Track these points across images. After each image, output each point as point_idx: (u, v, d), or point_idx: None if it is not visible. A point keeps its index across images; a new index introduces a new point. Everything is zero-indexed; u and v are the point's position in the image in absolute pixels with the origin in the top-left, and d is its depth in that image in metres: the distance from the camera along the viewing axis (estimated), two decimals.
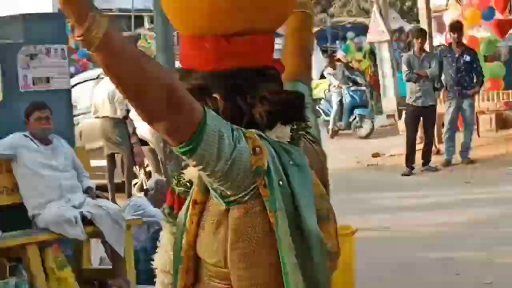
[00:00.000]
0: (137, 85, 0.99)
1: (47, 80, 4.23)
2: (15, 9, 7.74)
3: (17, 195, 3.90)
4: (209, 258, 1.14)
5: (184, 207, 1.19)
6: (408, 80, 7.81)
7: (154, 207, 4.31)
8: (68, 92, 4.49)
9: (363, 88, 11.40)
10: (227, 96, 1.12)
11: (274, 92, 1.13)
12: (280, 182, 1.09)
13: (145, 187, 5.75)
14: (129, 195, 6.34)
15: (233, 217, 1.09)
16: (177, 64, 4.19)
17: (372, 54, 13.27)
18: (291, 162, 1.11)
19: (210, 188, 1.12)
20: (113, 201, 5.49)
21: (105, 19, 0.95)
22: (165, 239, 1.27)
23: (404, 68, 7.84)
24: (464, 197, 6.48)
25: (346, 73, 11.62)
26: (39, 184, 3.81)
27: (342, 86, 11.23)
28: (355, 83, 11.47)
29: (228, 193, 1.09)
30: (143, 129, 6.25)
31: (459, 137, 7.84)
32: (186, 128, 1.02)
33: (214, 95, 1.12)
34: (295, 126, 1.16)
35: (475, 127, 8.37)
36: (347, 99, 11.02)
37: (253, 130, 1.10)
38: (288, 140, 1.15)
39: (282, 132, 1.14)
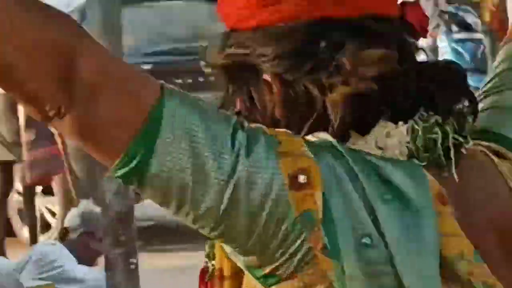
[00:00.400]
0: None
1: None
2: None
3: None
4: None
5: None
6: None
7: (78, 262, 2.72)
8: None
9: (479, 36, 6.15)
10: (287, 75, 0.69)
11: (382, 57, 0.67)
12: (364, 240, 0.63)
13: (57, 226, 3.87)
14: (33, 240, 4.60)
15: None
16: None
17: None
18: (385, 197, 0.64)
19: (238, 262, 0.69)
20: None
21: None
22: None
23: None
24: None
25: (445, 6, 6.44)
26: None
27: (435, 33, 6.22)
28: (464, 26, 6.43)
29: (255, 261, 0.66)
30: None
31: None
32: (119, 126, 0.61)
33: (265, 76, 0.70)
34: (420, 125, 0.68)
35: None
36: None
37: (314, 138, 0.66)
38: (401, 152, 0.68)
39: (386, 138, 0.69)
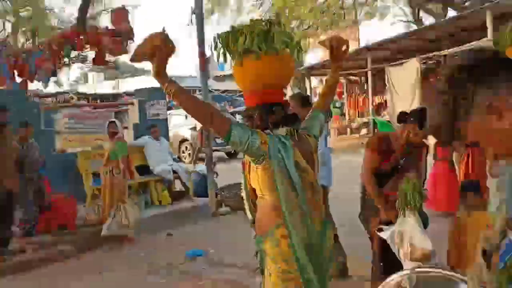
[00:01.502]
0: (194, 111, 2.31)
1: (158, 114, 9.51)
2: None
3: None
4: (255, 187, 2.56)
5: (245, 167, 2.64)
6: None
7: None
8: (166, 120, 9.70)
9: None
10: (259, 115, 2.51)
11: (281, 112, 2.51)
12: (276, 156, 2.42)
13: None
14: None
15: (259, 170, 2.48)
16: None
17: None
18: (282, 144, 2.45)
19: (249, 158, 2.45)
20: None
21: (173, 83, 2.26)
22: (242, 183, 2.71)
23: None
24: None
25: None
26: (155, 155, 8.80)
27: None
28: None
29: (254, 159, 2.45)
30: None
31: None
32: (222, 130, 2.35)
33: (255, 115, 2.53)
34: (290, 128, 2.54)
35: None
36: None
37: (265, 133, 2.45)
38: (284, 133, 2.51)
39: (282, 130, 2.50)
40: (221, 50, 2.54)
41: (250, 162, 2.55)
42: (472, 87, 1.20)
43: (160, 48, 2.15)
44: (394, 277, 2.16)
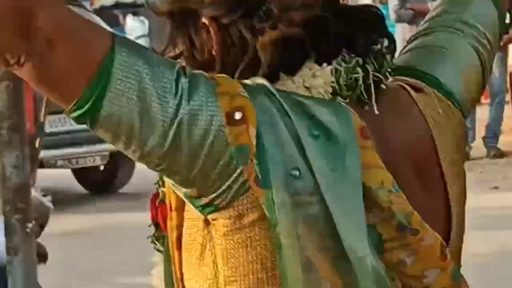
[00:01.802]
0: None
1: None
2: None
3: None
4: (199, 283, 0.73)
5: (168, 224, 0.80)
6: (398, 21, 5.58)
7: None
8: None
9: None
10: (223, 19, 0.73)
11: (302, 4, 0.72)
12: (292, 172, 0.66)
13: None
14: None
15: (218, 234, 0.70)
16: None
17: None
18: (312, 132, 0.68)
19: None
20: None
21: None
22: (156, 277, 0.85)
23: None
24: None
25: None
26: None
27: None
28: None
29: (195, 192, 0.69)
30: None
31: (482, 113, 6.29)
32: (73, 73, 0.65)
33: (203, 19, 0.74)
34: (343, 66, 0.72)
35: (509, 95, 6.52)
36: None
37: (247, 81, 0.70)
38: (326, 91, 0.72)
39: (312, 78, 0.72)
40: None
41: (175, 214, 0.86)
42: None
43: None
44: None
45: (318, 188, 0.66)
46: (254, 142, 0.66)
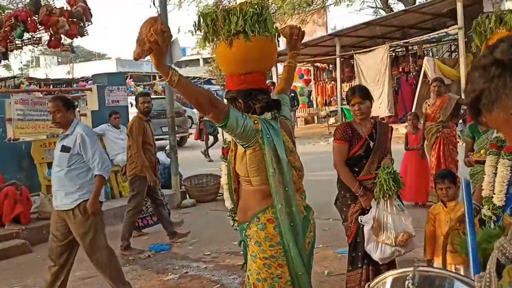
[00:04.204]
0: (195, 98, 2.33)
1: (117, 101, 9.08)
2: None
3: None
4: (241, 172, 2.57)
5: (229, 153, 2.65)
6: None
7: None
8: (126, 107, 9.29)
9: None
10: (244, 100, 2.53)
11: (265, 98, 2.53)
12: (267, 136, 2.44)
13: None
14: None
15: (248, 153, 2.49)
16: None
17: None
18: (271, 127, 2.49)
19: (237, 143, 2.48)
20: None
21: (177, 73, 2.25)
22: (224, 169, 2.79)
23: None
24: None
25: None
26: (115, 144, 8.40)
27: None
28: None
29: (245, 143, 2.45)
30: None
31: None
32: (220, 115, 2.35)
33: (240, 100, 2.55)
34: (273, 112, 2.56)
35: None
36: None
37: (254, 115, 2.44)
38: (270, 118, 2.53)
39: (267, 115, 2.52)
40: (206, 30, 2.48)
41: (234, 149, 2.59)
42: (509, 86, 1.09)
43: (157, 41, 2.15)
44: (391, 274, 1.99)
45: (273, 140, 2.49)
46: (260, 129, 2.47)
